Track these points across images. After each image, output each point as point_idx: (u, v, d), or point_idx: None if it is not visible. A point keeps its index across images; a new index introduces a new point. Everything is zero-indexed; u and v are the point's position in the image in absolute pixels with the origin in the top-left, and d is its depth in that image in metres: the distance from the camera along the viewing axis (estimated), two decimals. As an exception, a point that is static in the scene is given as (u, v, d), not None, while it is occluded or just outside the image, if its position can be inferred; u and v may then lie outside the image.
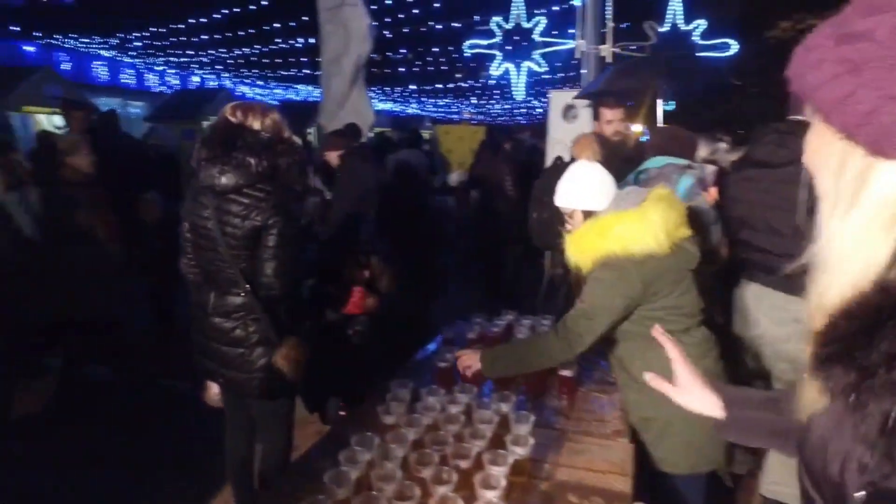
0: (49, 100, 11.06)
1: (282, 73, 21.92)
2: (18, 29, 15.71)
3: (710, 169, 3.16)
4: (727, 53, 6.30)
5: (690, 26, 6.29)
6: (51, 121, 9.72)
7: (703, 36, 6.29)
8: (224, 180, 2.14)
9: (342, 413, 2.61)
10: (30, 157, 4.78)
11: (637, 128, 4.63)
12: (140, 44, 17.99)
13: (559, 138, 5.26)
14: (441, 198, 4.77)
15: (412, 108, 35.59)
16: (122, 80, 20.47)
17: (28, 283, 3.31)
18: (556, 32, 6.96)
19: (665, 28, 6.26)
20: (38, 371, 4.32)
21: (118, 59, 19.80)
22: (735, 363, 2.50)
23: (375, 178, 4.75)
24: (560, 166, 3.53)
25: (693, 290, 2.09)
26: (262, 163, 2.14)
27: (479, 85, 23.47)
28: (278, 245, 2.17)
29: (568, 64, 8.38)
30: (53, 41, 17.66)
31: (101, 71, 19.50)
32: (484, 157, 6.78)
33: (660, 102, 4.69)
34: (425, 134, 14.56)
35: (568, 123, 5.40)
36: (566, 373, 2.24)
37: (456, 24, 15.37)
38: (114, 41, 17.82)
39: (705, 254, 2.22)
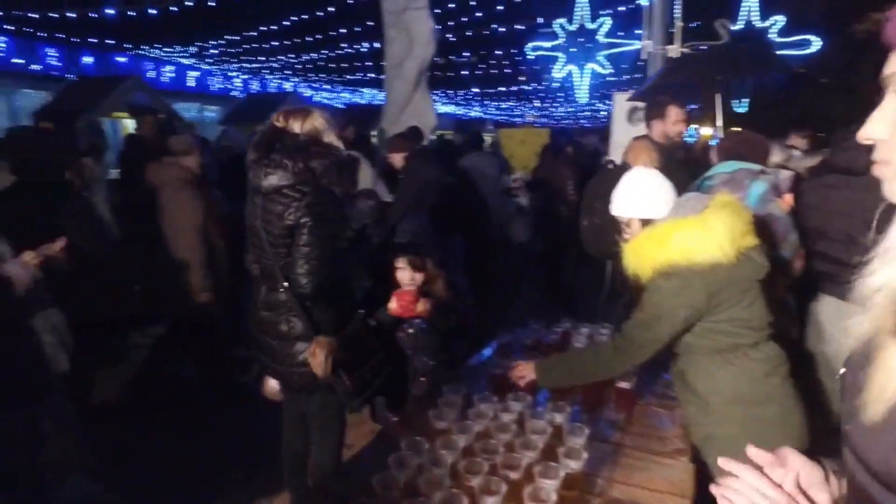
0: (137, 105, 11.94)
1: (347, 77, 22.48)
2: (112, 42, 16.92)
3: (786, 174, 2.98)
4: (808, 51, 5.94)
5: (767, 23, 5.97)
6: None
7: (781, 33, 5.96)
8: (267, 181, 2.25)
9: (390, 415, 2.62)
10: (118, 158, 5.13)
11: (707, 130, 4.44)
12: (216, 51, 18.93)
13: (623, 141, 5.13)
14: (514, 199, 4.72)
15: (475, 112, 35.66)
16: (200, 86, 21.57)
17: (110, 276, 3.51)
18: (622, 34, 6.78)
19: (738, 26, 5.97)
20: (119, 359, 4.62)
21: (196, 65, 20.88)
22: (807, 381, 2.34)
23: (438, 180, 4.80)
24: (612, 171, 3.43)
25: (761, 302, 1.97)
26: (297, 164, 2.21)
27: (543, 88, 23.22)
28: (309, 244, 2.22)
29: (634, 66, 8.16)
30: (141, 51, 18.84)
31: (180, 78, 20.62)
32: (546, 161, 6.72)
33: (719, 100, 4.42)
34: (487, 137, 14.55)
35: (633, 126, 5.25)
36: (624, 385, 2.16)
37: (519, 27, 15.27)
38: (193, 49, 18.83)
39: (778, 265, 2.09)
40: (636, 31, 6.55)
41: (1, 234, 2.53)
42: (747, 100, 6.11)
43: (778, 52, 5.85)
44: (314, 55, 18.77)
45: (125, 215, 5.25)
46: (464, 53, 19.73)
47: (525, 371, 2.11)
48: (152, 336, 4.96)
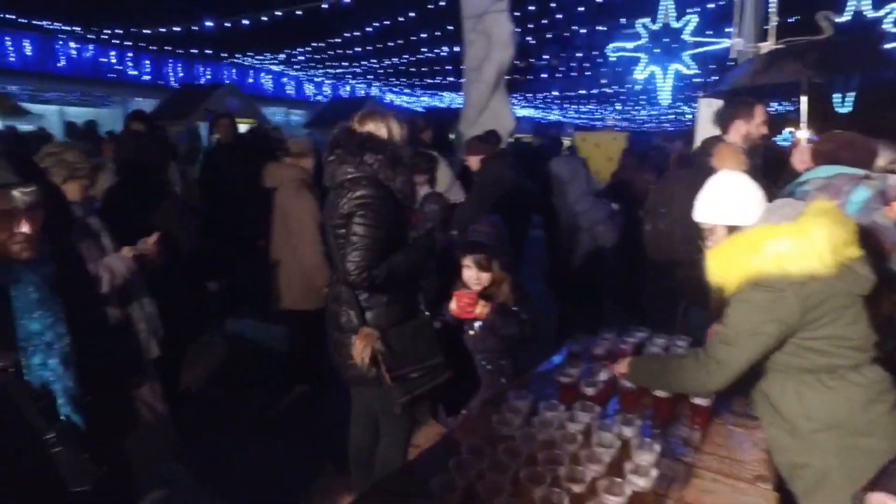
0: (231, 111, 12.74)
1: (427, 80, 22.81)
2: (210, 52, 18.16)
3: (894, 180, 2.71)
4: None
5: (881, 12, 5.44)
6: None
7: (898, 22, 5.42)
8: (332, 176, 2.38)
9: (448, 418, 2.62)
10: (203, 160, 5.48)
11: (803, 133, 4.12)
12: (302, 58, 19.78)
13: (709, 145, 4.86)
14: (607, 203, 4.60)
15: (554, 115, 35.15)
16: (286, 92, 22.63)
17: (195, 272, 3.73)
18: (711, 32, 6.44)
19: (845, 17, 5.48)
20: (213, 339, 4.96)
21: (284, 72, 21.91)
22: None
23: (514, 183, 4.78)
24: (679, 176, 3.27)
25: (864, 319, 1.79)
26: (354, 159, 2.32)
27: (624, 90, 22.54)
28: (359, 234, 2.28)
29: (723, 65, 7.75)
30: (235, 60, 20.03)
31: (269, 84, 21.73)
32: (628, 165, 6.52)
33: (804, 101, 4.06)
34: (567, 141, 14.31)
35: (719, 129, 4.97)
36: (700, 401, 2.04)
37: (601, 28, 14.90)
38: (281, 56, 19.79)
39: (886, 279, 1.90)
40: (726, 29, 6.20)
41: (106, 229, 2.76)
42: (852, 97, 5.56)
43: (891, 46, 5.32)
44: (395, 60, 19.20)
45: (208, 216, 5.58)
46: (543, 56, 19.51)
47: (622, 366, 2.10)
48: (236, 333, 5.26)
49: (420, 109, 22.05)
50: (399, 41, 16.95)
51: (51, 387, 1.42)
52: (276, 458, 3.46)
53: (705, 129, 5.20)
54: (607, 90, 24.60)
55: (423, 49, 17.36)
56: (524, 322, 2.50)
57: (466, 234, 2.76)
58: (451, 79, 19.70)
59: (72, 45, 16.34)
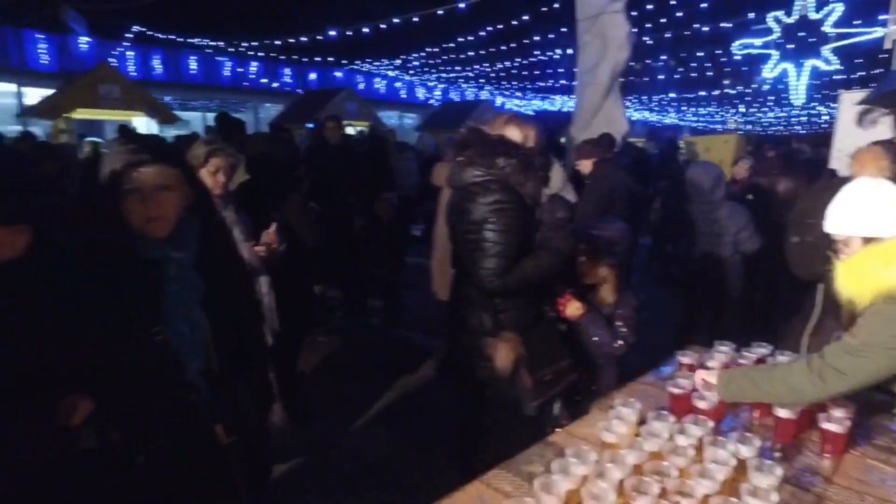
0: (349, 114, 13.53)
1: (539, 84, 22.66)
2: (332, 59, 19.31)
3: None
4: None
5: None
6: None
7: None
8: (458, 178, 2.36)
9: (565, 420, 2.59)
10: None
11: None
12: (417, 63, 20.41)
13: (849, 149, 4.43)
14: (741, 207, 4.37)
15: (669, 118, 33.52)
16: (400, 95, 23.45)
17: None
18: (859, 21, 5.81)
19: None
20: (328, 329, 5.28)
21: (399, 77, 22.74)
22: None
23: (626, 188, 4.65)
24: (831, 184, 2.98)
25: None
26: (485, 162, 2.29)
27: (749, 90, 21.00)
28: (493, 241, 2.26)
29: (873, 59, 6.97)
30: (354, 66, 21.11)
31: (383, 88, 22.64)
32: (765, 168, 6.12)
33: None
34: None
35: (864, 131, 4.51)
36: (835, 428, 1.86)
37: (725, 24, 13.98)
38: (397, 62, 20.56)
39: None
40: (880, 17, 5.57)
41: (238, 222, 3.02)
42: None
43: None
44: (507, 63, 19.26)
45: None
46: (661, 56, 18.66)
47: (709, 377, 1.96)
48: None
49: (530, 113, 21.94)
50: (512, 44, 16.99)
51: (181, 356, 1.59)
52: (380, 444, 3.61)
53: (847, 130, 4.74)
54: (730, 91, 23.07)
55: (535, 52, 17.27)
56: (618, 333, 2.44)
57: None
58: (564, 81, 19.43)
59: (218, 58, 18.04)
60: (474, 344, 2.41)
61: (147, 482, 1.56)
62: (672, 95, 26.85)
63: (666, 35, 15.34)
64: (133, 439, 1.49)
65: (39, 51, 14.12)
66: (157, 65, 16.79)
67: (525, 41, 16.35)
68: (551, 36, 14.87)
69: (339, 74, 21.07)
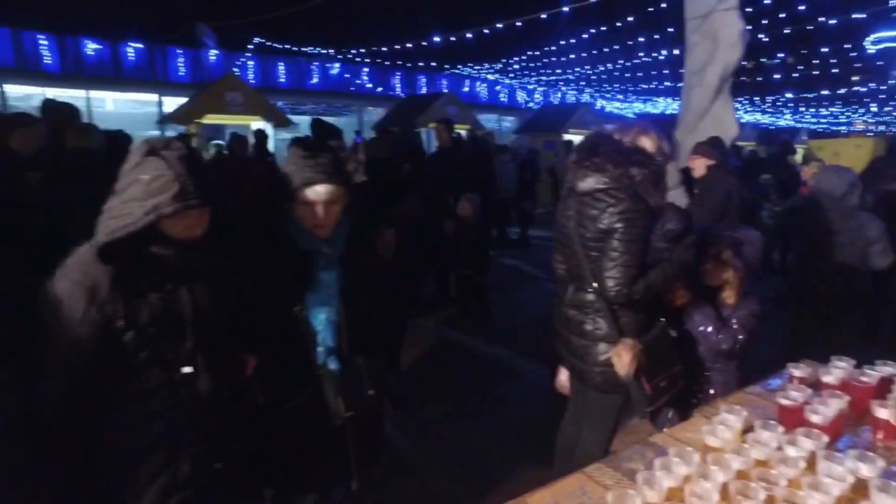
0: (449, 117, 13.88)
1: (642, 86, 21.94)
2: (434, 64, 19.87)
3: None
4: None
5: None
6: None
7: None
8: (584, 183, 2.34)
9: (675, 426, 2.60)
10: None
11: None
12: (517, 66, 20.47)
13: None
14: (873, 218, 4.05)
15: (784, 120, 31.17)
16: (500, 99, 23.59)
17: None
18: None
19: None
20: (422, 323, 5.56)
21: (499, 80, 22.88)
22: None
23: (738, 194, 4.49)
24: None
25: None
26: (617, 169, 2.27)
27: (884, 88, 19.10)
28: (621, 250, 2.26)
29: None
30: (456, 70, 21.53)
31: (484, 92, 22.87)
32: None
33: None
34: (799, 149, 12.67)
35: None
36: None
37: (858, 16, 12.81)
38: (497, 66, 20.73)
39: None
40: None
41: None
42: None
43: None
44: (609, 66, 18.84)
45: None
46: (778, 54, 17.44)
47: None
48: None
49: (632, 116, 21.30)
50: (615, 46, 16.62)
51: (317, 335, 1.87)
52: (476, 435, 3.76)
53: None
54: (860, 89, 21.12)
55: (639, 53, 16.77)
56: (729, 330, 2.42)
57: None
58: (669, 83, 18.71)
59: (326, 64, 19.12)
60: (588, 349, 2.45)
61: (274, 440, 1.84)
62: (788, 96, 24.98)
63: (785, 31, 14.34)
64: (270, 399, 1.79)
65: (178, 64, 15.75)
66: (272, 72, 18.06)
67: (629, 42, 15.92)
68: (656, 36, 14.38)
69: (439, 78, 21.58)
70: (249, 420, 1.80)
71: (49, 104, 5.07)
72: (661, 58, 15.67)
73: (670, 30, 11.69)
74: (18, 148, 4.16)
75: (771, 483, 1.56)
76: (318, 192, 1.82)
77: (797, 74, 19.85)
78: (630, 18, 12.18)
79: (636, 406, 2.38)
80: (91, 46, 14.55)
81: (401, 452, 3.55)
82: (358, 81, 19.51)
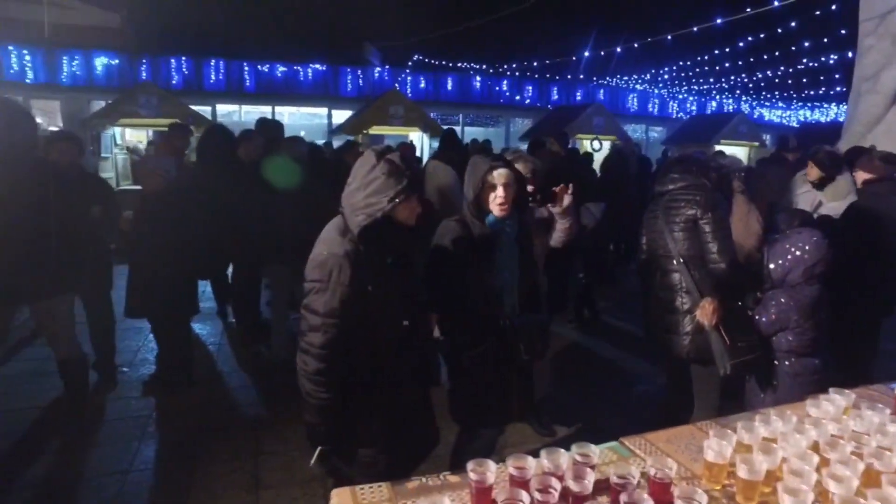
0: (596, 128, 14.14)
1: (807, 92, 20.16)
2: (581, 77, 20.12)
3: None
4: None
5: None
6: (591, 144, 12.30)
7: None
8: (671, 185, 3.01)
9: (761, 394, 2.90)
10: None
11: None
12: (667, 77, 19.90)
13: None
14: None
15: None
16: (649, 109, 22.99)
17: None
18: None
19: None
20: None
21: (648, 90, 22.33)
22: None
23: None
24: None
25: None
26: (697, 172, 2.97)
27: None
28: (714, 230, 2.85)
29: None
30: (601, 82, 21.47)
31: (633, 102, 22.45)
32: None
33: None
34: None
35: None
36: None
37: None
38: (646, 77, 20.33)
39: None
40: None
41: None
42: None
43: None
44: (769, 73, 17.63)
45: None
46: None
47: None
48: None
49: (793, 125, 19.69)
50: (775, 52, 15.59)
51: (502, 296, 2.48)
52: (587, 402, 4.13)
53: None
54: None
55: (804, 59, 15.54)
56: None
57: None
58: (839, 88, 17.04)
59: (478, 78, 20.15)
60: (679, 321, 2.96)
61: (462, 382, 2.46)
62: None
63: None
64: (465, 344, 2.40)
65: (347, 81, 17.68)
66: (426, 85, 19.40)
67: (792, 48, 14.84)
68: (825, 40, 13.26)
69: (589, 89, 21.62)
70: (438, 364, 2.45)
71: (262, 122, 6.28)
72: (830, 62, 14.38)
73: (842, 31, 10.85)
74: (243, 157, 5.33)
75: (861, 444, 1.78)
76: (501, 173, 2.40)
77: None
78: (793, 24, 11.44)
79: (719, 360, 2.72)
80: (280, 69, 16.93)
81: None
82: (508, 93, 20.18)
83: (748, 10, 9.05)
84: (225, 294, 6.21)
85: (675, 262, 2.97)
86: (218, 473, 3.38)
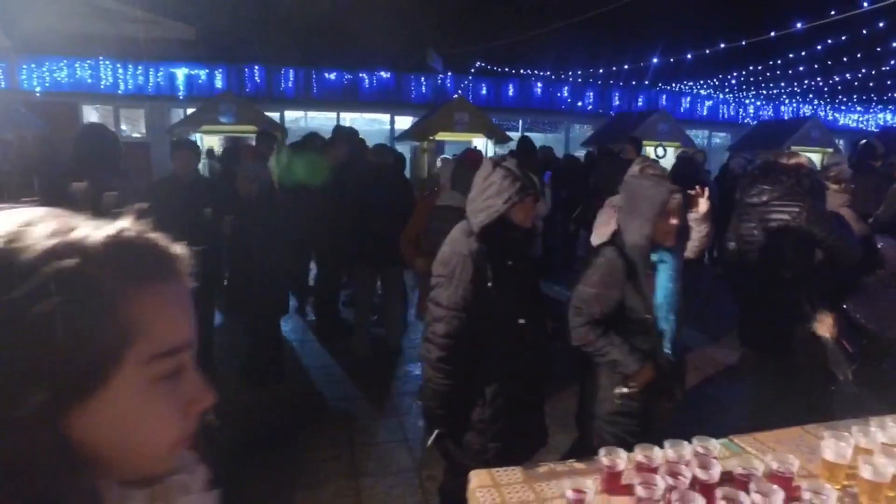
0: (660, 134, 13.91)
1: (891, 95, 19.15)
2: (634, 82, 19.84)
3: None
4: None
5: None
6: (655, 151, 12.12)
7: None
8: (765, 196, 3.00)
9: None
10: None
11: None
12: (734, 81, 19.33)
13: None
14: None
15: None
16: (713, 114, 22.32)
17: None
18: None
19: None
20: None
21: (711, 95, 21.71)
22: None
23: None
24: None
25: None
26: (789, 181, 2.92)
27: None
28: (826, 236, 2.86)
29: None
30: (663, 87, 21.05)
31: (697, 107, 21.85)
32: None
33: None
34: None
35: None
36: None
37: None
38: (713, 81, 19.81)
39: None
40: None
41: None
42: None
43: None
44: (847, 76, 16.86)
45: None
46: None
47: None
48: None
49: (871, 130, 18.72)
50: (856, 54, 14.91)
51: (663, 328, 2.41)
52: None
53: None
54: None
55: (891, 60, 14.78)
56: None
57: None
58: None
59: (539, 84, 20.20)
60: (794, 330, 2.97)
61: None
62: None
63: None
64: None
65: (411, 88, 18.07)
66: (487, 92, 19.54)
67: (877, 49, 14.14)
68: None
69: (653, 95, 21.27)
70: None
71: (339, 130, 6.57)
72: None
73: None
74: (331, 163, 5.63)
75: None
76: (678, 199, 2.31)
77: None
78: (881, 24, 10.92)
79: (838, 367, 2.76)
80: (346, 77, 17.50)
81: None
82: (569, 100, 20.06)
83: (832, 12, 8.74)
84: (304, 292, 6.51)
85: (784, 274, 2.98)
86: (318, 461, 3.61)
